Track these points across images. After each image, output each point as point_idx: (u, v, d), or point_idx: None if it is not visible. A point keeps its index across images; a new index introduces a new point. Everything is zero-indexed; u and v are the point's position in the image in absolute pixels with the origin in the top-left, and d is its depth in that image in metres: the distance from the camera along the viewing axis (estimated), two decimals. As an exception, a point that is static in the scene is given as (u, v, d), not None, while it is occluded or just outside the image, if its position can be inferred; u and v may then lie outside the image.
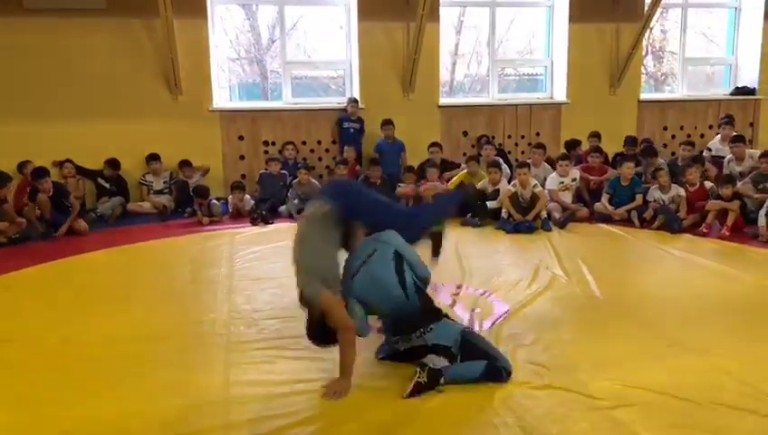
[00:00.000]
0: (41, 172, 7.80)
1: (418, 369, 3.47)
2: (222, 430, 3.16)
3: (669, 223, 7.36)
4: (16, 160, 8.54)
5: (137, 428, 3.19)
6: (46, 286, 5.76)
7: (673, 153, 10.52)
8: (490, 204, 7.96)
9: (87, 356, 4.09)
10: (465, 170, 8.61)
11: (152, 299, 5.16)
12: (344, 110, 9.77)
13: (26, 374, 3.85)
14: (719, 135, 9.68)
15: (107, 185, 8.96)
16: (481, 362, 3.55)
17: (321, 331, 3.59)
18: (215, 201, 8.57)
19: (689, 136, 10.71)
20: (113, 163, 9.00)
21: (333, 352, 3.63)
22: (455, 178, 8.59)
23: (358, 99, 9.79)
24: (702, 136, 10.90)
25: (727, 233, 7.00)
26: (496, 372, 3.55)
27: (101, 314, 4.83)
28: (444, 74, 10.81)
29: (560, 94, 10.77)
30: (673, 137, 10.94)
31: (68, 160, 8.82)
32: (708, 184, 7.82)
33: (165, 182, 9.13)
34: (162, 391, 3.59)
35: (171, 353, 4.09)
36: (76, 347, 4.23)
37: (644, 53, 11.60)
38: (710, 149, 9.54)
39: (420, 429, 3.15)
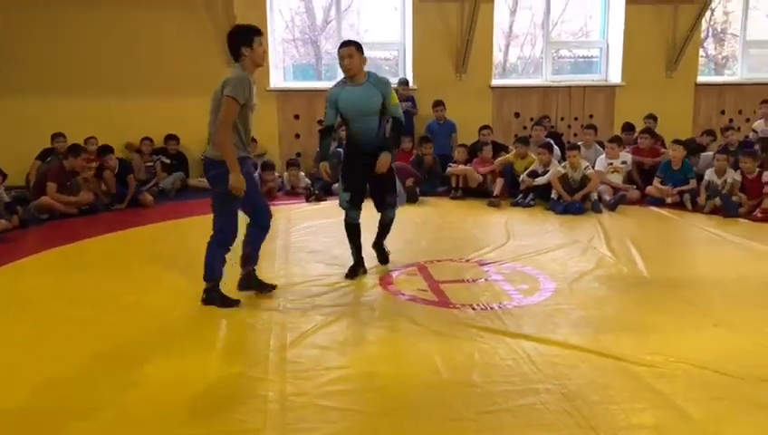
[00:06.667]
0: (106, 149, 8.22)
1: None
2: (280, 389, 3.39)
3: (726, 208, 7.27)
4: (80, 135, 8.57)
5: (208, 383, 3.44)
6: (116, 254, 6.16)
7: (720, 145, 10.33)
8: (538, 180, 8.01)
9: (157, 317, 4.38)
10: (514, 152, 8.67)
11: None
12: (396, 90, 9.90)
13: (102, 332, 4.14)
14: (762, 119, 9.43)
15: (168, 160, 9.33)
16: None
17: None
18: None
19: (748, 120, 10.51)
20: (175, 139, 9.41)
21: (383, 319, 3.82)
22: (501, 159, 8.66)
23: (408, 79, 9.91)
24: (761, 120, 10.66)
25: (782, 218, 6.90)
26: None
27: (168, 280, 5.15)
28: (497, 55, 10.83)
29: (614, 76, 10.69)
30: (730, 120, 10.73)
31: (147, 138, 9.24)
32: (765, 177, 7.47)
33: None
34: (225, 350, 3.86)
35: (234, 317, 4.35)
36: (146, 309, 4.54)
37: (704, 35, 11.37)
38: (756, 131, 9.35)
39: (461, 392, 3.31)
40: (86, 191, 7.83)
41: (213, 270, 4.53)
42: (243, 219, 4.62)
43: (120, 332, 4.14)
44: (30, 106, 8.99)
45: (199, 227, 7.01)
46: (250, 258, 4.74)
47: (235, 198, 4.35)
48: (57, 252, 6.11)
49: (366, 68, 5.01)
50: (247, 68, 4.30)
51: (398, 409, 3.14)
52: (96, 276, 5.34)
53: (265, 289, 4.75)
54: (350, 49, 4.86)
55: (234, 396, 3.27)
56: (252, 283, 4.76)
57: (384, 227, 5.41)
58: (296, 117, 9.96)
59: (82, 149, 7.88)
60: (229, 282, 4.70)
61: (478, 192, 8.36)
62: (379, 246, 5.49)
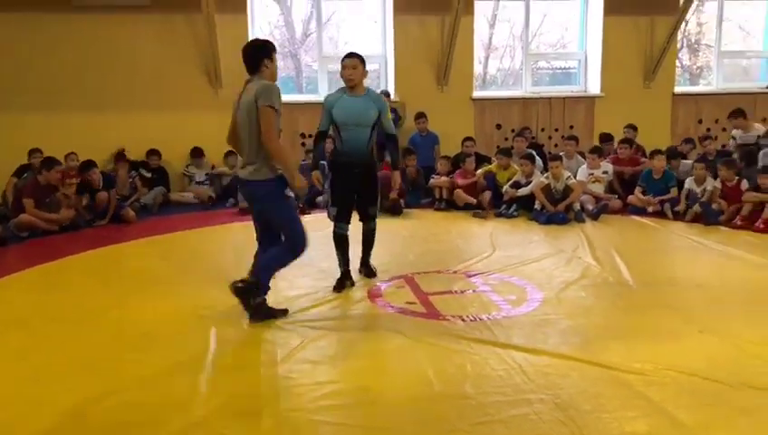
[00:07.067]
0: (88, 164, 8.14)
1: None
2: (273, 405, 3.37)
3: (706, 215, 7.38)
4: (60, 151, 8.43)
5: (200, 401, 3.40)
6: (100, 270, 6.08)
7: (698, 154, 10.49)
8: (521, 190, 8.07)
9: (143, 334, 4.33)
10: (496, 163, 8.72)
11: (199, 283, 5.40)
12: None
13: (87, 351, 4.09)
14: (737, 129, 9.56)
15: (148, 175, 9.27)
16: None
17: None
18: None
19: (725, 129, 10.68)
20: (157, 154, 9.35)
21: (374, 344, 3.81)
22: (482, 170, 8.71)
23: (389, 91, 9.96)
24: (737, 129, 10.85)
25: (762, 226, 6.98)
26: None
27: (153, 296, 5.10)
28: (477, 68, 10.93)
29: (593, 87, 10.82)
30: (708, 130, 10.91)
31: (123, 156, 9.11)
32: (744, 185, 7.56)
33: (207, 174, 9.45)
34: (216, 366, 3.82)
35: (223, 332, 4.31)
36: (132, 327, 4.49)
37: (679, 45, 11.57)
38: (735, 138, 9.49)
39: (454, 404, 3.31)
40: (66, 208, 7.72)
41: (267, 272, 4.44)
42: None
43: (105, 350, 4.09)
44: (7, 121, 8.89)
45: (183, 242, 7.05)
46: (261, 286, 4.48)
47: (292, 208, 4.38)
48: (39, 270, 6.02)
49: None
50: (266, 80, 4.29)
51: (392, 422, 3.13)
52: (79, 294, 5.26)
53: (278, 315, 4.51)
54: (355, 60, 5.01)
55: (227, 413, 3.24)
56: (263, 312, 4.45)
57: (367, 239, 5.45)
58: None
59: (56, 162, 7.74)
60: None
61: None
62: (365, 264, 5.53)
